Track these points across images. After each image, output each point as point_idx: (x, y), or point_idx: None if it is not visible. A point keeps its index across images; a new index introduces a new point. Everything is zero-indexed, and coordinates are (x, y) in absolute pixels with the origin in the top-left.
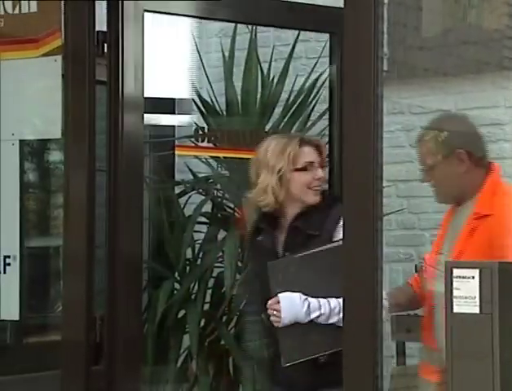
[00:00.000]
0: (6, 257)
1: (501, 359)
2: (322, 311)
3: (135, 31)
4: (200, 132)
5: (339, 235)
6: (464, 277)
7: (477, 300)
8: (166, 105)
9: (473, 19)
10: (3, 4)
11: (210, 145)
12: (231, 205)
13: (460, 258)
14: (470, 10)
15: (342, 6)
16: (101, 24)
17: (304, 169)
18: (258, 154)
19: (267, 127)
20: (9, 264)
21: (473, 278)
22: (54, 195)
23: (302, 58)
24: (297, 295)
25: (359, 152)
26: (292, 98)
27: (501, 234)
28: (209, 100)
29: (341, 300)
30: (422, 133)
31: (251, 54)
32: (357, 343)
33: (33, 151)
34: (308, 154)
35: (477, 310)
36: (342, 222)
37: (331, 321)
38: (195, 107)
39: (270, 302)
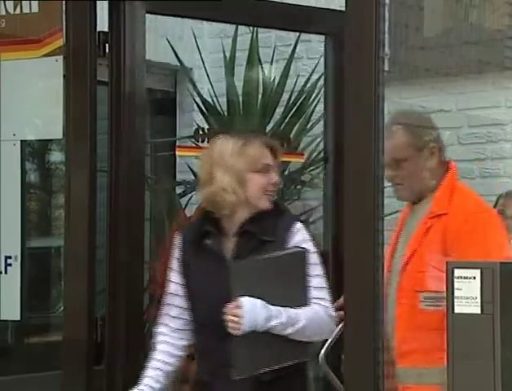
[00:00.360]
0: (7, 257)
1: (503, 359)
2: (281, 320)
3: (137, 31)
4: (202, 132)
5: (291, 242)
6: (465, 277)
7: (478, 300)
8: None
9: (474, 19)
10: (5, 4)
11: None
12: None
13: (413, 256)
14: (471, 11)
15: (335, 7)
16: (103, 25)
17: (262, 171)
18: (212, 152)
19: (268, 127)
20: (10, 264)
21: (474, 278)
22: (55, 195)
23: (304, 58)
24: (258, 300)
25: (360, 152)
26: (293, 98)
27: (456, 233)
28: (210, 100)
29: (299, 310)
30: (389, 126)
31: (252, 55)
32: (358, 343)
33: (34, 151)
34: (266, 156)
35: (478, 311)
36: (293, 230)
37: (286, 332)
38: (196, 108)
39: (230, 306)
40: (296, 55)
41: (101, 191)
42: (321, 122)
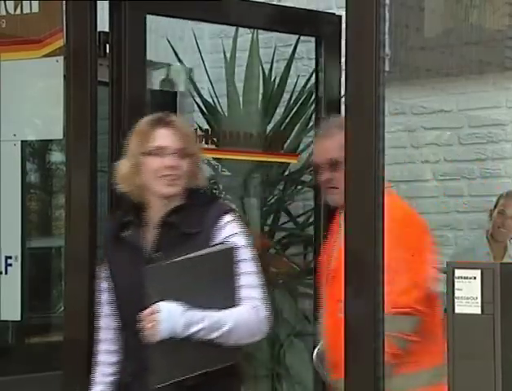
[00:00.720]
0: (7, 257)
1: (503, 360)
2: (204, 325)
3: (137, 32)
4: (202, 133)
5: (218, 236)
6: (466, 277)
7: (479, 300)
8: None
9: (475, 19)
10: (5, 4)
11: (212, 146)
12: (233, 206)
13: (340, 267)
14: (471, 11)
15: (326, 10)
16: (103, 25)
17: (154, 153)
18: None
19: (269, 128)
20: (11, 264)
21: (475, 278)
22: (55, 195)
23: (304, 59)
24: (176, 305)
25: (360, 153)
26: (293, 98)
27: None
28: (210, 101)
29: (225, 313)
30: (329, 127)
31: (253, 55)
32: (358, 343)
33: (34, 151)
34: (162, 138)
35: (479, 311)
36: (221, 223)
37: (211, 336)
38: (196, 108)
39: (146, 312)
40: (296, 56)
41: (101, 192)
42: None
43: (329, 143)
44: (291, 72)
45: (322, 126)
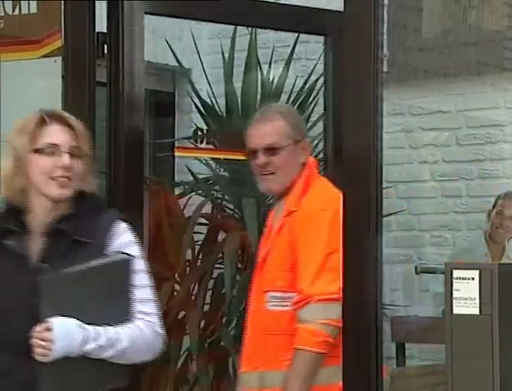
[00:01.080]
0: None
1: (501, 360)
2: (100, 342)
3: (135, 32)
4: (200, 133)
5: (113, 246)
6: (464, 278)
7: (477, 301)
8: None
9: (473, 20)
10: (3, 5)
11: (210, 146)
12: (231, 206)
13: (268, 257)
14: (470, 12)
15: (335, 8)
16: (102, 25)
17: (46, 152)
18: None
19: None
20: None
21: (473, 279)
22: None
23: (302, 59)
24: (72, 321)
25: (359, 153)
26: (292, 99)
27: (299, 231)
28: (209, 101)
29: (121, 329)
30: (269, 112)
31: (251, 56)
32: (357, 344)
33: None
34: (54, 134)
35: (477, 311)
36: (115, 232)
37: (105, 355)
38: (194, 109)
39: (38, 329)
40: (295, 56)
41: (100, 193)
42: (320, 123)
43: (269, 128)
44: (289, 72)
45: (261, 110)
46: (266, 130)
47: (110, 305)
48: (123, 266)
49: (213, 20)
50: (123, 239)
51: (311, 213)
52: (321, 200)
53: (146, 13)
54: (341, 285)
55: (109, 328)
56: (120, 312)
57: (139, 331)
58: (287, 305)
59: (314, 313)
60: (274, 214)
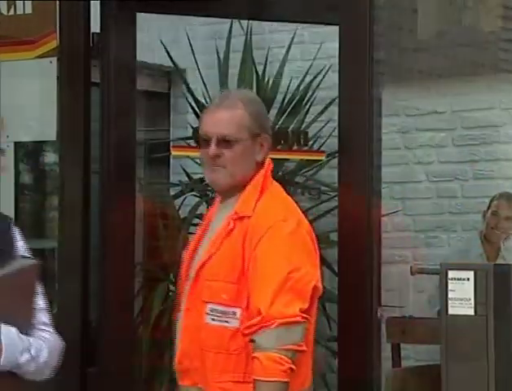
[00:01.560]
0: None
1: (496, 360)
2: (32, 353)
3: (127, 30)
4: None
5: (14, 251)
6: (459, 279)
7: (472, 301)
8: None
9: (468, 21)
10: None
11: None
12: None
13: (211, 258)
14: (465, 13)
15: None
16: (97, 26)
17: None
18: None
19: None
20: None
21: (468, 280)
22: (49, 196)
23: (298, 60)
24: (13, 328)
25: (354, 154)
26: (287, 99)
27: (258, 241)
28: (204, 102)
29: (36, 341)
30: (225, 97)
31: (246, 56)
32: (353, 345)
33: (28, 153)
34: None
35: (472, 312)
36: (13, 234)
37: (29, 368)
38: (190, 109)
39: None
40: (290, 57)
41: (94, 193)
42: (315, 124)
43: (225, 116)
44: (284, 73)
45: (221, 95)
46: (222, 118)
47: (19, 313)
48: (31, 272)
49: (208, 15)
50: (21, 243)
51: (270, 223)
52: (281, 209)
53: (138, 11)
54: (303, 306)
55: (31, 338)
56: (28, 322)
57: (51, 344)
58: (227, 322)
59: (275, 338)
60: (216, 211)
